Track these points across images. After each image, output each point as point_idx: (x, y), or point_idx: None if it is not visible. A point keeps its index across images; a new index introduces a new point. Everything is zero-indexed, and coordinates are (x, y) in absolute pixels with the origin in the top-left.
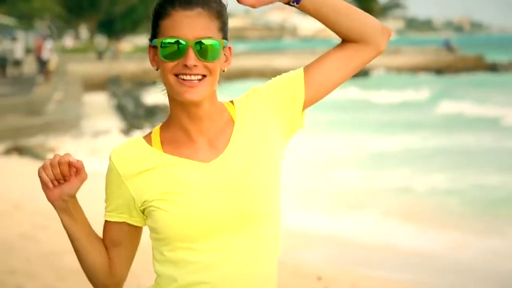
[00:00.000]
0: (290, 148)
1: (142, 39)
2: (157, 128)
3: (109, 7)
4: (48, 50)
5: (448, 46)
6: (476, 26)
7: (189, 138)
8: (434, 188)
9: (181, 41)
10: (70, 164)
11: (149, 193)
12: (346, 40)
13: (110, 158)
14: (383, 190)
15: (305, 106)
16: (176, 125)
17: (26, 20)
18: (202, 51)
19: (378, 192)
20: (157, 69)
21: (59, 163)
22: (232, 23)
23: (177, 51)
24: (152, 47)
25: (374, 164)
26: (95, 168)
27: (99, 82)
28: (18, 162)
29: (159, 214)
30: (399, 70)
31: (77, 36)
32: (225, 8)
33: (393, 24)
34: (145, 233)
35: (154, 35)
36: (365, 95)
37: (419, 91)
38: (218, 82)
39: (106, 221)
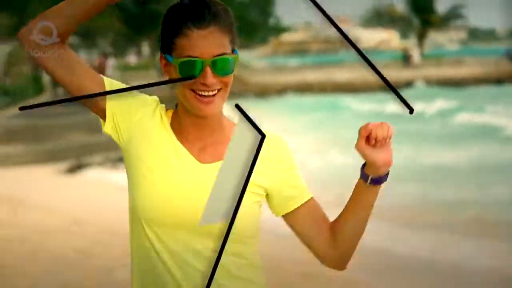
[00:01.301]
0: (346, 163)
1: None
2: (170, 111)
3: None
4: (111, 67)
5: (509, 56)
6: None
7: (186, 139)
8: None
9: (198, 60)
10: None
11: (141, 144)
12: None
13: (152, 96)
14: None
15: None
16: (180, 123)
17: (89, 39)
18: (218, 68)
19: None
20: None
21: None
22: (293, 37)
23: (195, 71)
24: (164, 58)
25: (432, 177)
26: None
27: (160, 98)
28: (80, 180)
29: (137, 188)
30: (461, 81)
31: (139, 53)
32: (233, 18)
33: (455, 34)
34: None
35: (168, 50)
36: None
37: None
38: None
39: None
